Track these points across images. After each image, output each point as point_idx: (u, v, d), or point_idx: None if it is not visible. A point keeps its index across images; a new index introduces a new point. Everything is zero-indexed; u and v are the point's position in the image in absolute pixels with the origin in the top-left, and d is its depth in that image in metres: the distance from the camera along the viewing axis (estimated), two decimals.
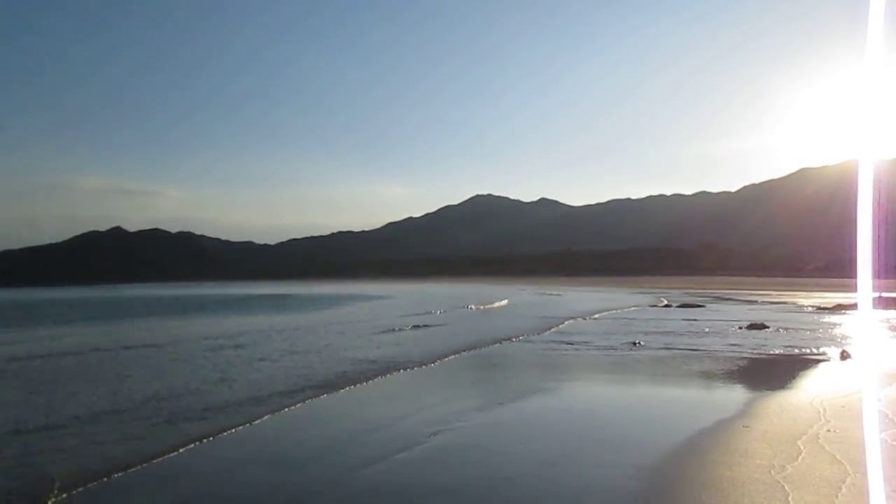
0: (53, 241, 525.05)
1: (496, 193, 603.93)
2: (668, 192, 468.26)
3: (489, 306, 43.00)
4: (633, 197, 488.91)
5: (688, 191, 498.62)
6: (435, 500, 8.06)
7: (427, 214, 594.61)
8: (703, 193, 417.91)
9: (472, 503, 7.97)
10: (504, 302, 46.16)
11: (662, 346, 21.87)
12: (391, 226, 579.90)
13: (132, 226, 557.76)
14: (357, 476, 8.85)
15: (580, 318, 33.23)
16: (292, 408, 13.00)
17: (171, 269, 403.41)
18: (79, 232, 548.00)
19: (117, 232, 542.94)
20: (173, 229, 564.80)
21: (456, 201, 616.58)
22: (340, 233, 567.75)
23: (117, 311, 58.34)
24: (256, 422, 11.92)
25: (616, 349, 21.16)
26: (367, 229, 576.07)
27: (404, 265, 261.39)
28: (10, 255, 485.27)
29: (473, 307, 43.34)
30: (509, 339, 24.47)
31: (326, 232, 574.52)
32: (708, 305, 42.47)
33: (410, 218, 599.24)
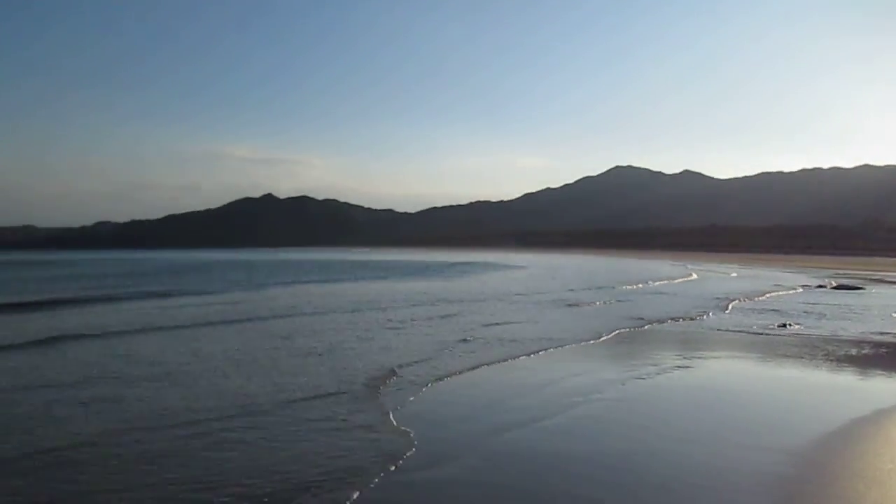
0: (211, 206, 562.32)
1: (636, 165, 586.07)
2: (826, 166, 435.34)
3: (639, 285, 41.53)
4: (786, 170, 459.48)
5: (848, 164, 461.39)
6: (570, 466, 8.14)
7: (565, 185, 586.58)
8: (865, 167, 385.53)
9: (607, 473, 7.96)
10: (660, 282, 44.20)
11: (815, 328, 20.69)
12: (528, 196, 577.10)
13: (282, 193, 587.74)
14: (496, 440, 9.07)
15: (737, 299, 31.71)
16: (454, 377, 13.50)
17: (318, 235, 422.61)
18: (234, 198, 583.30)
19: (268, 198, 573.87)
20: (319, 197, 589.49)
21: (594, 172, 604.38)
22: (478, 202, 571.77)
23: (323, 272, 62.91)
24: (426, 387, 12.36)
25: (764, 330, 20.24)
26: (504, 199, 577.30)
27: (541, 236, 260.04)
28: (173, 218, 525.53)
29: (628, 285, 42.00)
30: (662, 319, 23.37)
31: (465, 202, 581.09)
32: (868, 288, 39.50)
33: (548, 189, 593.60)
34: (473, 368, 14.07)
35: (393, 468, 7.85)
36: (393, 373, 13.31)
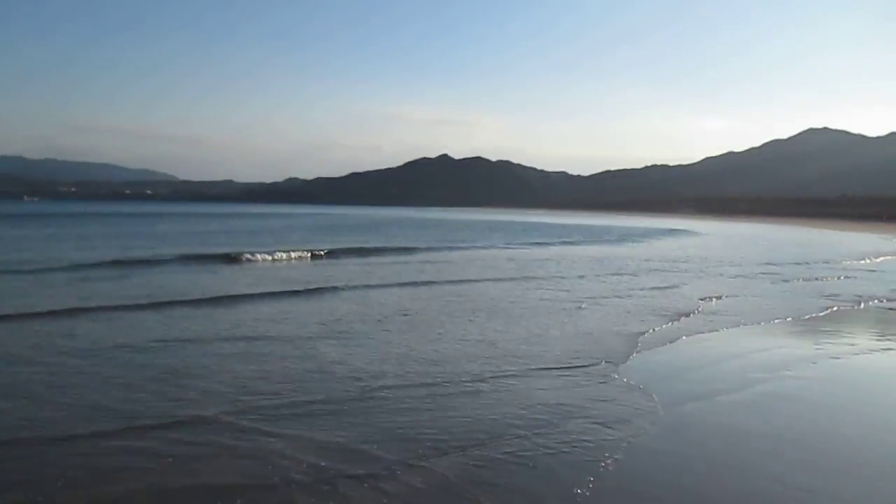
0: (391, 165, 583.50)
1: (833, 127, 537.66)
2: None
3: (839, 261, 37.56)
4: None
5: None
6: (748, 441, 8.02)
7: (750, 150, 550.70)
8: None
9: (789, 450, 7.75)
10: (861, 260, 39.12)
11: None
12: (709, 161, 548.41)
13: (457, 153, 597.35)
14: (675, 410, 9.02)
15: None
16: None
17: (490, 196, 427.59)
18: (412, 158, 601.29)
19: (444, 158, 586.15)
20: (493, 157, 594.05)
21: (784, 135, 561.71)
22: (655, 166, 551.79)
23: (520, 235, 63.84)
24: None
25: None
26: (683, 164, 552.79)
27: (722, 202, 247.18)
28: (355, 176, 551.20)
29: (825, 261, 38.73)
30: (864, 298, 21.15)
31: (640, 165, 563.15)
32: None
33: (731, 153, 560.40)
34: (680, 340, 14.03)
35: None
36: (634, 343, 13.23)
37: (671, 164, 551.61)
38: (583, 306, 17.41)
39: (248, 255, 29.78)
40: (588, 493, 6.23)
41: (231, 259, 29.18)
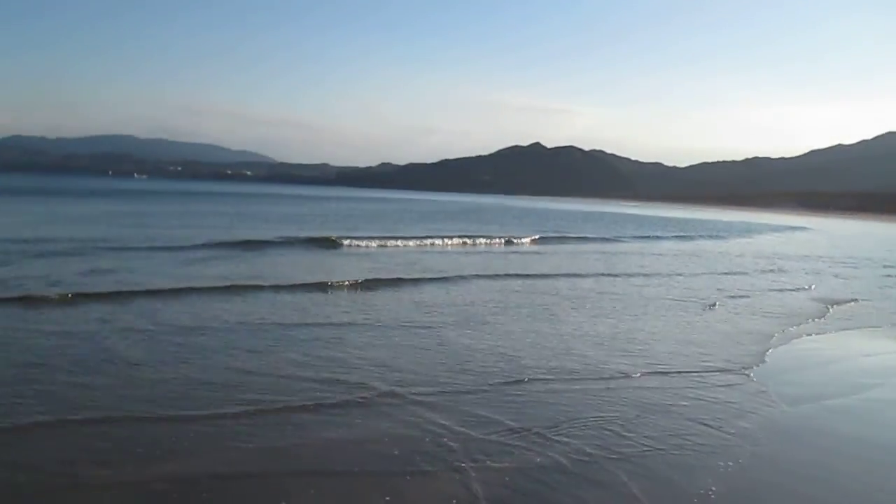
0: (483, 152, 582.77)
1: None
2: None
3: None
4: None
5: None
6: (876, 452, 7.82)
7: (862, 142, 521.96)
8: None
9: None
10: None
11: None
12: (815, 153, 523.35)
13: (549, 142, 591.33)
14: (801, 416, 8.82)
15: None
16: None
17: (582, 186, 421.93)
18: (504, 145, 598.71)
19: (536, 147, 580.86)
20: (586, 147, 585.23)
21: None
22: (756, 158, 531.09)
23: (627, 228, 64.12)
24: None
25: None
26: (786, 156, 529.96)
27: (829, 198, 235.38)
28: (447, 163, 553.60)
29: None
30: None
31: (740, 157, 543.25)
32: None
33: (840, 145, 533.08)
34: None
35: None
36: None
37: (773, 156, 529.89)
38: (708, 306, 17.21)
39: (355, 241, 30.37)
40: (710, 498, 6.20)
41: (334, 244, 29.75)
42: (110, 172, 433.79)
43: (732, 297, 19.10)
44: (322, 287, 17.38)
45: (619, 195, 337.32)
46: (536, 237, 40.68)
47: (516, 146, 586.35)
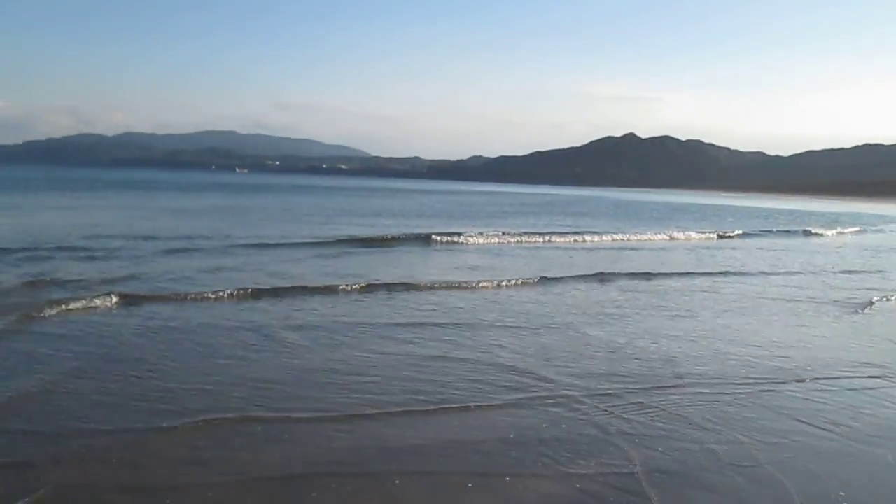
0: (574, 144, 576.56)
1: None
2: None
3: None
4: None
5: None
6: None
7: None
8: None
9: None
10: None
11: None
12: None
13: (644, 132, 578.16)
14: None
15: None
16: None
17: (678, 177, 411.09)
18: (596, 137, 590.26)
19: (630, 138, 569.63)
20: (682, 137, 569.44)
21: None
22: (867, 146, 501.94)
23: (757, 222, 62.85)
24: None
25: None
26: None
27: None
28: (538, 155, 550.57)
29: None
30: None
31: (849, 144, 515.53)
32: None
33: None
34: None
35: None
36: None
37: (886, 143, 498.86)
38: (860, 309, 15.72)
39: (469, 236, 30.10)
40: None
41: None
42: (213, 167, 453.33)
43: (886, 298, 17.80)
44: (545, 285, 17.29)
45: (718, 186, 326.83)
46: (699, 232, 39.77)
47: (609, 137, 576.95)
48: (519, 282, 17.50)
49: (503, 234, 31.83)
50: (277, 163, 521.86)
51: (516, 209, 65.85)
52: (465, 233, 30.51)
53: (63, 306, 11.72)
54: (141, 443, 6.39)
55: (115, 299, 12.54)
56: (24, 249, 18.99)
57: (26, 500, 5.13)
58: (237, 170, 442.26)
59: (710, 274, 21.09)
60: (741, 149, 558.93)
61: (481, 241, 29.33)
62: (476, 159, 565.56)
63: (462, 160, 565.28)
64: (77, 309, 11.85)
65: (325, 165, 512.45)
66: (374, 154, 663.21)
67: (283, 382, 8.47)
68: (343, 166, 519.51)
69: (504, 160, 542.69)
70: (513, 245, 29.44)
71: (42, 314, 11.26)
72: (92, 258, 18.38)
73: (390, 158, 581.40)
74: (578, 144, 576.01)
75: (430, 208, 60.88)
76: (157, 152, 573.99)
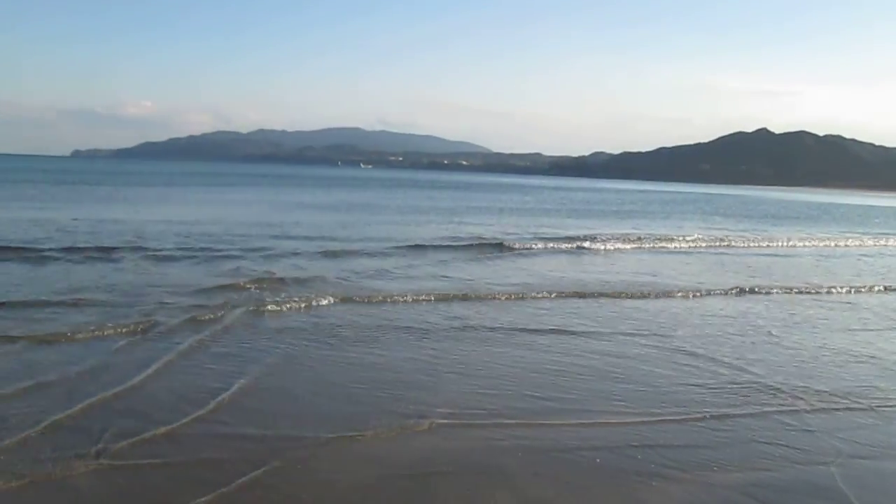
0: (702, 140, 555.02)
1: None
2: None
3: None
4: None
5: None
6: None
7: None
8: None
9: None
10: None
11: None
12: None
13: (777, 127, 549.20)
14: None
15: None
16: None
17: (816, 175, 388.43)
18: (726, 132, 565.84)
19: (762, 133, 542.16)
20: (819, 132, 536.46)
21: None
22: None
23: None
24: None
25: None
26: None
27: None
28: (663, 151, 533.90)
29: None
30: None
31: None
32: None
33: None
34: None
35: None
36: None
37: None
38: None
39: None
40: None
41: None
42: (339, 162, 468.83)
43: None
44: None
45: (862, 184, 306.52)
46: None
47: (739, 132, 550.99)
48: (719, 291, 17.03)
49: (689, 237, 30.89)
50: (400, 158, 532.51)
51: (672, 208, 65.02)
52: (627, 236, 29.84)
53: (286, 305, 12.75)
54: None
55: (331, 300, 13.45)
56: (215, 248, 20.58)
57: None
58: (361, 165, 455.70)
59: None
60: (888, 144, 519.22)
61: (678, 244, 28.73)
62: (598, 155, 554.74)
63: (583, 156, 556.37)
64: (298, 308, 12.77)
65: (446, 161, 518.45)
66: (496, 150, 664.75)
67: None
68: (464, 162, 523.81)
69: (627, 156, 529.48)
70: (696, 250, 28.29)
71: (266, 309, 12.34)
72: (273, 257, 19.54)
73: (511, 154, 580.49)
74: (706, 140, 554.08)
75: (561, 206, 61.21)
76: (285, 149, 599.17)
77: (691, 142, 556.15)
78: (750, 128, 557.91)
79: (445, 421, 7.49)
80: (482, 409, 7.95)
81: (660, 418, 7.89)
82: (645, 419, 7.84)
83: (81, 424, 6.90)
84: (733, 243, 30.83)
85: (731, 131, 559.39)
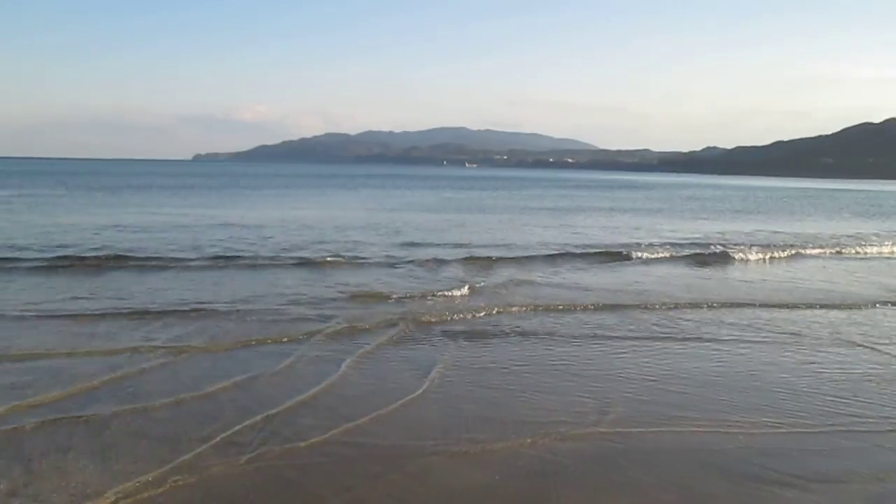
0: (823, 132, 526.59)
1: None
2: None
3: None
4: None
5: None
6: None
7: None
8: None
9: None
10: None
11: None
12: None
13: None
14: None
15: None
16: None
17: None
18: (849, 124, 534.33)
19: (892, 124, 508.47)
20: None
21: None
22: None
23: None
24: None
25: None
26: None
27: None
28: (780, 145, 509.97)
29: None
30: None
31: None
32: None
33: None
34: None
35: None
36: None
37: None
38: None
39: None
40: None
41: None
42: (444, 162, 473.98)
43: None
44: None
45: None
46: None
47: (866, 123, 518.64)
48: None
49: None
50: (505, 157, 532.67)
51: (810, 204, 61.98)
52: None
53: (466, 314, 13.10)
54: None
55: (520, 308, 13.79)
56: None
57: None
58: (466, 164, 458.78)
59: None
60: None
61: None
62: (710, 150, 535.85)
63: (694, 151, 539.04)
64: (470, 318, 12.96)
65: (551, 159, 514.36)
66: (602, 147, 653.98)
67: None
68: (570, 160, 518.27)
69: (742, 150, 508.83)
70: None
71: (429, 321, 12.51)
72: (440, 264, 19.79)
73: (619, 151, 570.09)
74: (827, 133, 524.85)
75: (691, 205, 59.47)
76: (393, 149, 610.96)
77: (811, 135, 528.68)
78: (878, 118, 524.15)
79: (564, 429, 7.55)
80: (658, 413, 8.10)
81: (796, 430, 7.73)
82: (788, 430, 7.71)
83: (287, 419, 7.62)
84: None
85: (857, 122, 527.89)
